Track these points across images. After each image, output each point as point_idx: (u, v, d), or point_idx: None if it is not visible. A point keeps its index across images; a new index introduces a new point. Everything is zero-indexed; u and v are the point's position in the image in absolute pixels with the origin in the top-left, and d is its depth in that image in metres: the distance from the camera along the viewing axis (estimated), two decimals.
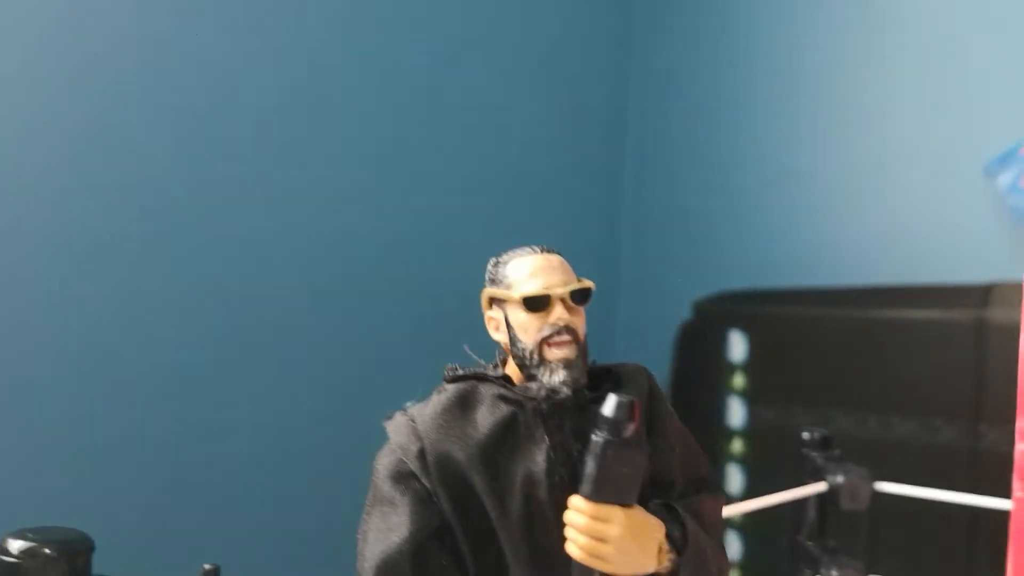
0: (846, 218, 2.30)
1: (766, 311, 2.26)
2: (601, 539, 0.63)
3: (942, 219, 2.17)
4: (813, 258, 2.32)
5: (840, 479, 1.39)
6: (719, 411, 2.11)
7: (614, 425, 0.63)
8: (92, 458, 1.48)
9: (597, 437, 0.63)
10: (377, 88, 1.87)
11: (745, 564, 2.05)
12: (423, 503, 0.66)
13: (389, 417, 0.71)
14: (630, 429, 0.63)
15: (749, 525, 2.04)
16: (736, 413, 2.10)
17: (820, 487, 1.40)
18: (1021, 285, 1.27)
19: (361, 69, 1.84)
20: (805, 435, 1.49)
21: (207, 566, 0.68)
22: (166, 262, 1.59)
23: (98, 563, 0.74)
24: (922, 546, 1.62)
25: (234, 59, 1.67)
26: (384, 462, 0.69)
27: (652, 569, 0.66)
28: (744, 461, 2.07)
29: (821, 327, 2.24)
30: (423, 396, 0.72)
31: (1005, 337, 1.75)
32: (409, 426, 0.69)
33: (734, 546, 2.05)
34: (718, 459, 2.07)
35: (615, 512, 0.63)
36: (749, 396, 2.10)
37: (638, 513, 0.65)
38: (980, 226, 2.11)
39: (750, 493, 2.10)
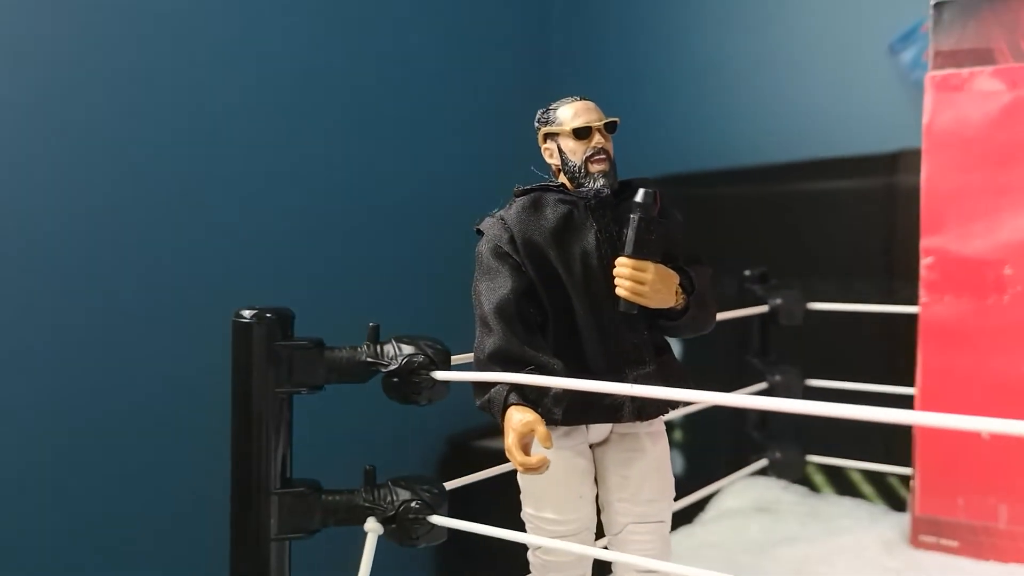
0: (758, 102, 2.47)
1: (688, 193, 2.41)
2: (640, 282, 0.96)
3: (850, 95, 2.36)
4: (729, 140, 2.48)
5: (779, 301, 1.58)
6: None
7: (644, 206, 0.96)
8: None
9: (633, 215, 0.96)
10: None
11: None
12: (517, 271, 0.99)
13: (480, 222, 1.02)
14: (655, 209, 0.96)
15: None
16: None
17: (762, 309, 1.58)
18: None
19: None
20: (747, 272, 1.67)
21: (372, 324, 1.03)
22: None
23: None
24: (849, 355, 1.82)
25: None
26: (486, 247, 1.01)
27: (672, 304, 0.98)
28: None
29: (741, 205, 2.40)
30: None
31: (913, 199, 1.90)
32: (500, 222, 1.01)
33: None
34: None
35: (649, 264, 0.96)
36: None
37: (662, 266, 0.98)
38: (886, 100, 2.30)
39: (687, 363, 2.29)
